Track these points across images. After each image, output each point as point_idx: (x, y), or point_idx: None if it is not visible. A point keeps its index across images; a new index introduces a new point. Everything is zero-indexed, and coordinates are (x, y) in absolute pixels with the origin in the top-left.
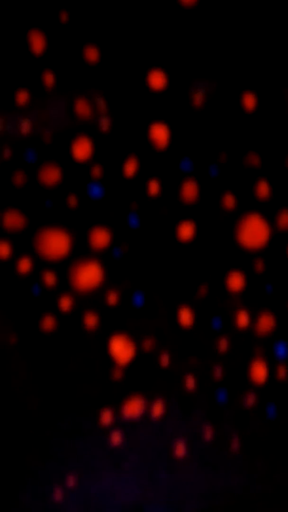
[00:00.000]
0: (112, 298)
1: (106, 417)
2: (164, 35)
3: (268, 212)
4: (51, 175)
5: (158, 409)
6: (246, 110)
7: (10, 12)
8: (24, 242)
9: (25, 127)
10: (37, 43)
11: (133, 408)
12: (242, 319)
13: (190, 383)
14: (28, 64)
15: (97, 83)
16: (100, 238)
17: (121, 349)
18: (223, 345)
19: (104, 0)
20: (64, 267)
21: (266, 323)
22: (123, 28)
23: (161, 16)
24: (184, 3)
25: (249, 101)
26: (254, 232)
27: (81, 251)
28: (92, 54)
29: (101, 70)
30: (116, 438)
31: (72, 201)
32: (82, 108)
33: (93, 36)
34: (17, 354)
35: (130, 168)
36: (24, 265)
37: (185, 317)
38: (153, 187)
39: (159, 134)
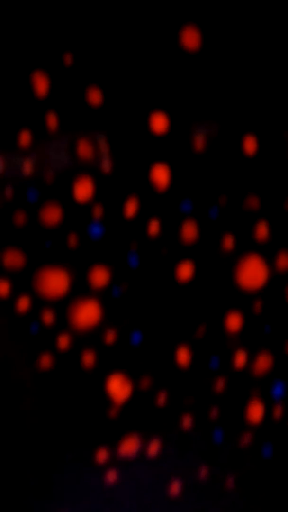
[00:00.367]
0: (110, 337)
1: (102, 455)
2: (166, 78)
3: (267, 254)
4: (52, 215)
5: (154, 448)
6: (246, 153)
7: (14, 54)
8: (23, 281)
9: (28, 167)
10: (41, 84)
11: (129, 446)
12: (240, 359)
13: (186, 422)
14: (32, 105)
15: (99, 125)
16: (100, 277)
17: (118, 387)
18: (220, 384)
19: (108, 43)
20: (63, 306)
21: (263, 363)
22: (126, 71)
23: (164, 60)
24: (187, 48)
25: (250, 145)
26: (252, 273)
27: (80, 290)
28: (95, 96)
29: (103, 112)
30: (111, 476)
31: (73, 240)
32: (84, 149)
33: (96, 78)
34: (15, 391)
35: (131, 208)
36: (23, 304)
37: (183, 356)
38: (153, 227)
39: (160, 175)
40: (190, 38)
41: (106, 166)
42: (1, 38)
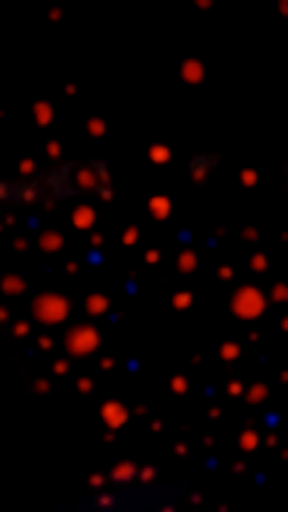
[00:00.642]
0: (107, 363)
1: (97, 479)
2: (168, 110)
3: (264, 285)
4: (52, 242)
5: (148, 474)
6: (245, 186)
7: (18, 84)
8: (22, 307)
9: (29, 194)
10: (43, 114)
11: (123, 471)
12: (235, 388)
13: (181, 449)
14: (34, 134)
15: (100, 154)
16: (97, 304)
17: (113, 414)
18: (215, 413)
19: (110, 75)
20: (60, 332)
21: (258, 393)
22: (128, 102)
23: (166, 92)
24: (188, 80)
25: (249, 177)
26: (249, 303)
27: (78, 316)
28: (96, 126)
29: (104, 142)
30: (105, 500)
31: (72, 267)
32: (85, 177)
33: (98, 109)
34: (12, 413)
35: (130, 237)
36: (21, 329)
37: (179, 384)
38: (152, 256)
39: (160, 205)
40: (192, 71)
41: (106, 194)
42: (6, 70)
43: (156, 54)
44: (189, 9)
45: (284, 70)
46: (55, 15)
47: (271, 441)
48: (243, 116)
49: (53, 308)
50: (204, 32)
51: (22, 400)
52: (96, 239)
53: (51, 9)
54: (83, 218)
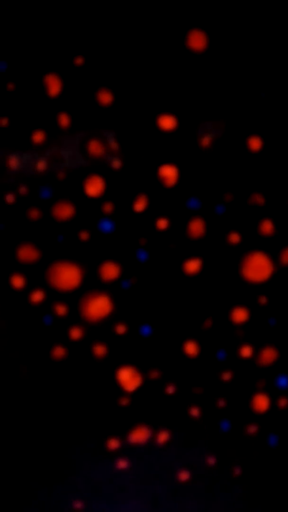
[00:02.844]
0: (121, 329)
1: (113, 443)
2: (174, 80)
3: (272, 249)
4: (64, 211)
5: (163, 437)
6: (252, 152)
7: (28, 57)
8: (37, 275)
9: (41, 165)
10: (53, 85)
11: (139, 435)
12: (246, 352)
13: (194, 412)
14: (44, 105)
15: (109, 124)
16: (110, 271)
17: (128, 378)
18: (227, 376)
19: (117, 46)
20: (75, 299)
21: (268, 355)
22: (135, 73)
23: (171, 61)
24: (193, 49)
25: (255, 144)
26: (258, 268)
27: (91, 283)
28: (105, 97)
29: (113, 112)
30: (122, 464)
31: (84, 235)
32: (95, 147)
33: (106, 80)
34: (27, 381)
35: (140, 205)
36: (37, 296)
37: (191, 348)
38: (162, 224)
39: (168, 173)
40: (197, 40)
41: (116, 164)
42: (16, 43)
43: (161, 25)
44: None
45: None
46: None
47: (283, 402)
48: (247, 83)
49: (67, 276)
50: (207, 2)
51: (40, 367)
52: (107, 208)
53: None
54: (94, 187)
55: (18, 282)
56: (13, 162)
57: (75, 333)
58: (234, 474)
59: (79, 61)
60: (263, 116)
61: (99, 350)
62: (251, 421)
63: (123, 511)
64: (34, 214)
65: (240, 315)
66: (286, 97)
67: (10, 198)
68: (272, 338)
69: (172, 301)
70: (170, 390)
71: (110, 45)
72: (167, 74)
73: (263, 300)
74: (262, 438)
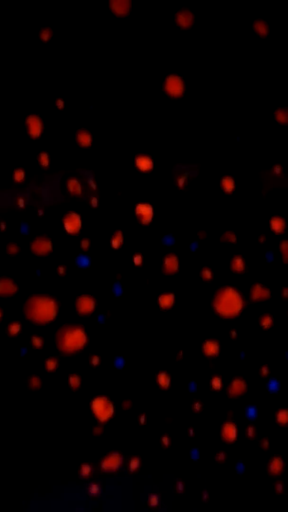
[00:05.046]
0: (95, 361)
1: (86, 469)
2: (151, 123)
3: (243, 285)
4: (42, 246)
5: (134, 464)
6: (225, 192)
7: (11, 99)
8: (15, 308)
9: (20, 202)
10: (34, 127)
11: (111, 462)
12: (216, 383)
13: (165, 441)
14: (26, 145)
15: (88, 164)
16: (86, 305)
17: (102, 408)
18: (197, 406)
19: (96, 90)
20: (51, 331)
21: (238, 387)
22: (114, 116)
23: (149, 105)
24: (169, 94)
25: (228, 184)
26: (229, 303)
27: (68, 316)
28: (84, 138)
29: (92, 153)
30: (94, 489)
31: (61, 270)
32: (73, 186)
33: (86, 122)
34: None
35: (116, 241)
36: (14, 329)
37: (163, 380)
38: (137, 260)
39: (144, 211)
40: (173, 85)
41: (94, 202)
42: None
43: (139, 71)
44: (171, 29)
45: (261, 83)
46: (45, 35)
47: (250, 432)
48: (221, 128)
49: (44, 309)
50: (185, 50)
51: (16, 395)
52: (84, 244)
53: (42, 28)
54: (72, 224)
55: None
56: None
57: (51, 365)
58: (202, 500)
59: (59, 104)
60: (236, 159)
61: (74, 381)
62: (219, 450)
63: None
64: (13, 249)
65: (211, 348)
66: (257, 141)
67: None
68: (241, 371)
69: (146, 334)
70: (142, 420)
71: (90, 89)
72: (144, 118)
73: (233, 334)
74: (230, 465)
